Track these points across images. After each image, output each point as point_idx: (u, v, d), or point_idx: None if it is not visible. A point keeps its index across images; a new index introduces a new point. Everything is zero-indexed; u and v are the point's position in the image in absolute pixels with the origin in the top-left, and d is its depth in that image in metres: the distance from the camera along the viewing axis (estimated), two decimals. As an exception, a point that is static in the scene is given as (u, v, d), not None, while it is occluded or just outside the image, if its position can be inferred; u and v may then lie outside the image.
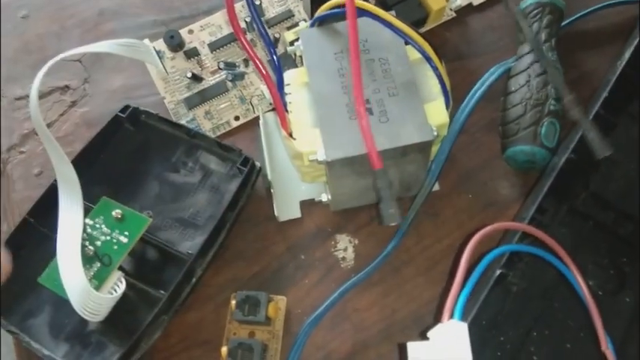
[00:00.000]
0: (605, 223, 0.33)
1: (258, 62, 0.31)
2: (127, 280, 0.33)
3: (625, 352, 0.30)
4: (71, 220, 0.33)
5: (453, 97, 0.34)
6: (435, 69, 0.32)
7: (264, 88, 0.40)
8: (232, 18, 0.31)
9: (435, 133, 0.30)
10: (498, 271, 0.28)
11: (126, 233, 0.34)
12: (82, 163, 0.37)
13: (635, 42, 0.32)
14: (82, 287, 0.30)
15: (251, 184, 0.37)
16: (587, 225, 0.33)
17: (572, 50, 0.40)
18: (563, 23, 0.39)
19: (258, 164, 0.37)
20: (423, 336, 0.22)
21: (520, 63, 0.37)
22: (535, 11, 0.38)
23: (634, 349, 0.30)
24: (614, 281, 0.32)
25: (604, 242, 0.33)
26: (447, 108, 0.32)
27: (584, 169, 0.33)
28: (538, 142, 0.34)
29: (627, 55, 0.32)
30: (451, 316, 0.21)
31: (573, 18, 0.40)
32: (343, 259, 0.36)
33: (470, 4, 0.43)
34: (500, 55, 0.41)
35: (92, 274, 0.33)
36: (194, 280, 0.34)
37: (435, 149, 0.35)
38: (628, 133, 0.31)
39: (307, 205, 0.37)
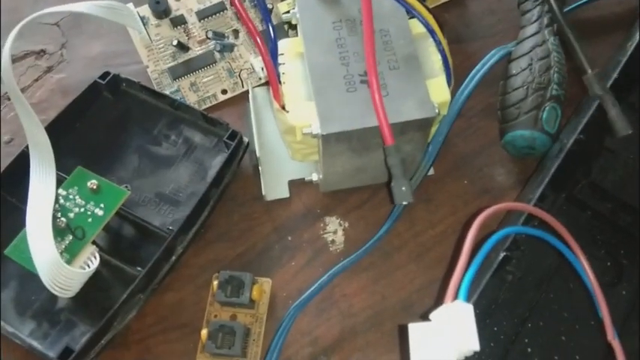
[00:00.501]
0: (603, 213, 0.32)
1: (251, 26, 0.30)
2: (101, 257, 0.31)
3: (622, 346, 0.29)
4: (43, 189, 0.31)
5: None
6: (438, 43, 0.30)
7: (254, 61, 0.39)
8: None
9: (437, 111, 0.29)
10: (502, 254, 0.27)
11: (101, 206, 0.32)
12: (56, 131, 0.34)
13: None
14: (53, 260, 0.28)
15: (237, 161, 0.35)
16: (585, 215, 0.32)
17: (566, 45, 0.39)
18: (564, 10, 0.38)
19: (246, 139, 0.35)
20: (424, 317, 0.20)
21: (522, 46, 0.36)
22: (538, -5, 0.37)
23: (631, 342, 0.29)
24: (611, 273, 0.31)
25: (602, 233, 0.32)
26: (449, 85, 0.31)
27: (585, 157, 0.32)
28: (539, 126, 0.33)
29: (638, 37, 0.31)
30: (455, 297, 0.20)
31: (574, 6, 0.40)
32: (332, 242, 0.34)
33: (470, -14, 0.42)
34: (498, 39, 0.40)
35: (64, 247, 0.30)
36: (173, 258, 0.32)
37: (433, 130, 0.33)
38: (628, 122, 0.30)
39: (296, 185, 0.36)
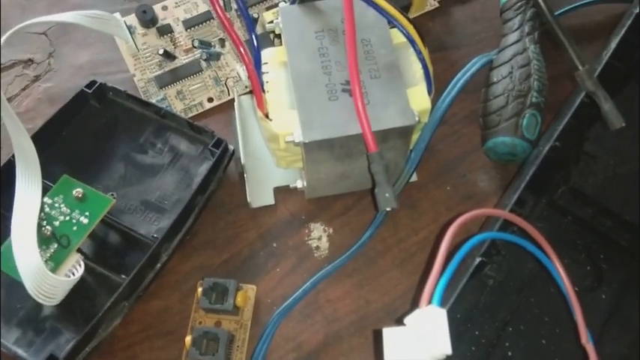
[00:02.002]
0: (583, 218, 0.32)
1: (235, 36, 0.30)
2: (86, 264, 0.31)
3: (602, 350, 0.29)
4: (28, 198, 0.31)
5: (435, 87, 0.33)
6: (419, 53, 0.31)
7: (240, 69, 0.39)
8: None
9: (417, 118, 0.29)
10: (478, 259, 0.27)
11: (87, 214, 0.32)
12: (42, 139, 0.34)
13: (622, 32, 0.32)
14: (37, 268, 0.28)
15: (223, 168, 0.35)
16: (566, 220, 0.33)
17: (554, 45, 0.39)
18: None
19: (231, 147, 0.35)
20: (399, 322, 0.20)
21: (503, 54, 0.36)
22: (519, 3, 0.38)
23: (610, 347, 0.29)
24: (591, 277, 0.31)
25: (582, 238, 0.32)
26: (430, 94, 0.31)
27: (564, 162, 0.33)
28: (519, 133, 0.33)
29: (613, 45, 0.31)
30: (429, 302, 0.20)
31: (557, 13, 0.40)
32: (317, 248, 0.35)
33: (453, -5, 0.42)
34: (482, 46, 0.40)
35: (49, 255, 0.31)
36: (158, 265, 0.32)
37: (415, 137, 0.34)
38: (608, 127, 0.31)
39: (281, 192, 0.36)
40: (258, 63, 0.32)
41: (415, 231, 0.35)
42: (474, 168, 0.37)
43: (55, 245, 0.31)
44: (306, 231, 0.35)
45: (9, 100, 0.40)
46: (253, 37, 0.31)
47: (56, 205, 0.32)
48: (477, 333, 0.30)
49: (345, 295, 0.33)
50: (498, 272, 0.31)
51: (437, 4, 0.42)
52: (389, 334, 0.20)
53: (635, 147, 0.34)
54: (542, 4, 0.31)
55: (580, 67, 0.30)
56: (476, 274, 0.28)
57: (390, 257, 0.34)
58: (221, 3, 0.39)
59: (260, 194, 0.36)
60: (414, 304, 0.29)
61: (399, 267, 0.34)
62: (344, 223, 0.35)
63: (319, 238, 0.35)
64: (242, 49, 0.30)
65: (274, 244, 0.35)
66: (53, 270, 0.30)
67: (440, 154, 0.37)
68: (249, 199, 0.35)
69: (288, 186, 0.35)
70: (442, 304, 0.21)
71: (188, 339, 0.30)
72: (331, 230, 0.35)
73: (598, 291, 0.31)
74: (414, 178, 0.36)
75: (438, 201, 0.36)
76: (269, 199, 0.36)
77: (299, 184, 0.35)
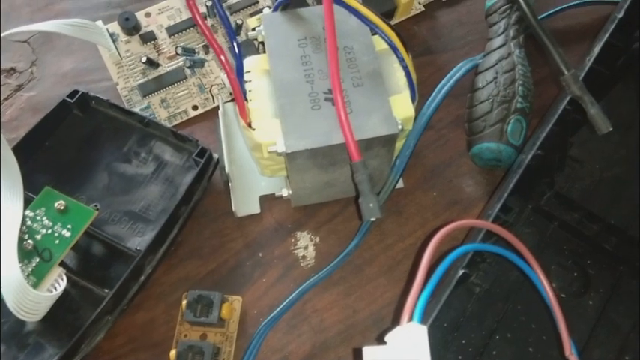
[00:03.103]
0: (569, 223, 0.32)
1: (215, 46, 0.30)
2: (69, 277, 0.31)
3: (589, 356, 0.29)
4: (9, 210, 0.31)
5: (420, 92, 0.33)
6: (401, 60, 0.30)
7: (224, 76, 0.38)
8: (189, -2, 0.29)
9: (400, 127, 0.29)
10: (461, 271, 0.27)
11: (69, 226, 0.31)
12: (24, 150, 0.34)
13: (605, 37, 0.32)
14: (18, 284, 0.28)
15: (207, 177, 0.35)
16: (552, 225, 0.33)
17: (540, 49, 0.39)
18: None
19: (215, 156, 0.35)
20: (380, 340, 0.20)
21: (488, 59, 0.36)
22: (504, 7, 0.37)
23: (598, 353, 0.29)
24: (577, 283, 0.31)
25: (568, 243, 0.32)
26: (413, 101, 0.31)
27: (549, 168, 0.33)
28: (504, 139, 0.33)
29: (596, 50, 0.31)
30: (410, 319, 0.20)
31: (542, 16, 0.40)
32: (303, 257, 0.34)
33: (439, -1, 0.42)
34: (468, 50, 0.40)
35: (30, 269, 0.30)
36: (142, 278, 0.32)
37: (400, 144, 0.34)
38: (593, 132, 0.31)
39: (267, 201, 0.36)
40: (240, 71, 0.31)
41: (402, 237, 0.35)
42: (460, 173, 0.36)
43: (37, 259, 0.30)
44: (293, 240, 0.35)
45: (-9, 109, 0.40)
46: (235, 45, 0.31)
47: (38, 217, 0.32)
48: (463, 342, 0.30)
49: (332, 305, 0.33)
50: (485, 280, 0.30)
51: (422, 8, 0.42)
52: (369, 352, 0.20)
53: (621, 151, 0.34)
54: (525, 8, 0.31)
55: (565, 72, 0.30)
56: (460, 285, 0.27)
57: (376, 265, 0.34)
58: (202, 10, 0.39)
59: (245, 203, 0.35)
60: (396, 319, 0.29)
61: (386, 274, 0.34)
62: (330, 231, 0.35)
63: (305, 247, 0.35)
64: (223, 58, 0.30)
65: (260, 254, 0.34)
66: (35, 285, 0.30)
67: (426, 159, 0.37)
68: (234, 208, 0.35)
69: (274, 194, 0.35)
70: (423, 320, 0.20)
71: (172, 353, 0.29)
72: (317, 239, 0.35)
73: (585, 296, 0.31)
74: (401, 184, 0.36)
75: (425, 207, 0.36)
76: (254, 208, 0.35)
77: (284, 192, 0.34)
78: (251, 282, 0.34)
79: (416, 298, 0.20)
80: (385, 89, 0.30)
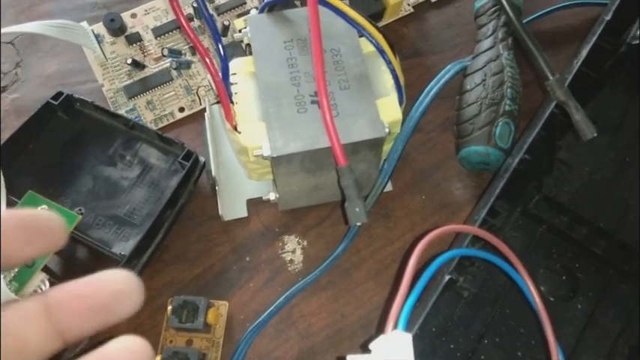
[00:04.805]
0: (558, 227, 0.32)
1: (200, 48, 0.29)
2: (52, 283, 0.30)
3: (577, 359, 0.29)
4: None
5: (409, 94, 0.32)
6: (388, 63, 0.30)
7: (211, 78, 0.38)
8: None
9: (387, 130, 0.28)
10: (447, 277, 0.27)
11: (52, 231, 0.31)
12: (7, 153, 0.33)
13: (593, 39, 0.31)
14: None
15: (193, 181, 0.34)
16: (540, 229, 0.32)
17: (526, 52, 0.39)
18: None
19: (202, 159, 0.35)
20: (365, 348, 0.20)
21: (476, 61, 0.36)
22: (492, 9, 0.37)
23: (587, 357, 0.29)
24: (566, 287, 0.31)
25: (557, 247, 0.32)
26: (401, 104, 0.31)
27: (537, 171, 0.33)
28: (492, 142, 0.33)
29: (584, 53, 0.31)
30: (395, 326, 0.20)
31: (531, 18, 0.40)
32: (291, 261, 0.34)
33: (427, 0, 0.42)
34: (457, 52, 0.40)
35: (12, 275, 0.30)
36: (127, 283, 0.31)
37: (387, 147, 0.33)
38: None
39: (254, 204, 0.35)
40: (225, 74, 0.31)
41: (390, 241, 0.35)
42: (448, 176, 0.36)
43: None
44: (280, 244, 0.35)
45: (-26, 112, 0.39)
46: (220, 47, 0.30)
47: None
48: (451, 346, 0.29)
49: (320, 309, 0.33)
50: (473, 284, 0.30)
51: (411, 10, 0.41)
52: (353, 361, 0.20)
53: (610, 154, 0.34)
54: (510, 12, 0.31)
55: (550, 77, 0.30)
56: (447, 290, 0.27)
57: (364, 269, 0.34)
58: (188, 12, 0.39)
59: (232, 207, 0.35)
60: (381, 326, 0.29)
61: (374, 278, 0.34)
62: (318, 235, 0.35)
63: (293, 251, 0.34)
64: (208, 60, 0.30)
65: (247, 258, 0.34)
66: (17, 291, 0.29)
67: (414, 162, 0.37)
68: (220, 212, 0.34)
69: (261, 198, 0.35)
70: (409, 326, 0.20)
71: (158, 359, 0.29)
72: (305, 243, 0.35)
73: (574, 300, 0.31)
74: (389, 187, 0.35)
75: (413, 210, 0.35)
76: (242, 212, 0.35)
77: (272, 196, 0.34)
78: (238, 287, 0.33)
79: (400, 306, 0.20)
80: (372, 92, 0.29)
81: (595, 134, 0.28)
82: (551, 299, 0.31)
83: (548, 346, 0.24)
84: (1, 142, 0.34)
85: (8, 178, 0.31)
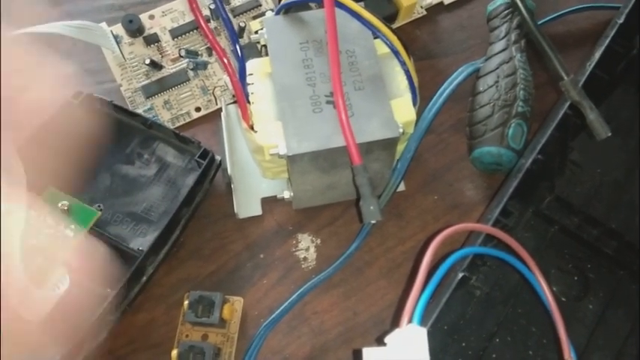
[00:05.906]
0: (569, 227, 0.32)
1: (218, 48, 0.30)
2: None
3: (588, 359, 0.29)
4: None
5: (422, 96, 0.33)
6: (402, 64, 0.31)
7: (227, 78, 0.39)
8: (192, 1, 0.29)
9: (401, 130, 0.29)
10: (460, 274, 0.27)
11: (72, 227, 0.32)
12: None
13: (606, 42, 0.32)
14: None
15: (209, 179, 0.35)
16: (552, 229, 0.33)
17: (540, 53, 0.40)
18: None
19: (218, 157, 0.35)
20: (380, 341, 0.20)
21: (489, 63, 0.36)
22: (505, 12, 0.38)
23: (597, 357, 0.29)
24: (577, 287, 0.31)
25: (568, 247, 0.32)
26: (415, 105, 0.31)
27: (549, 172, 0.33)
28: (505, 143, 0.33)
29: (597, 55, 0.31)
30: (410, 321, 0.20)
31: (542, 21, 0.40)
32: (304, 259, 0.35)
33: (441, 3, 0.42)
34: (469, 54, 0.40)
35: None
36: (144, 278, 0.32)
37: (401, 148, 0.34)
38: (593, 136, 0.31)
39: (269, 203, 0.36)
40: (242, 74, 0.32)
41: (402, 240, 0.35)
42: (460, 177, 0.37)
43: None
44: (294, 242, 0.35)
45: (-5, 110, 0.40)
46: (237, 47, 0.31)
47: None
48: (463, 344, 0.30)
49: (332, 307, 0.33)
50: (485, 283, 0.31)
51: (424, 12, 0.42)
52: (369, 354, 0.20)
53: (621, 155, 0.34)
54: (525, 13, 0.31)
55: (565, 77, 0.30)
56: (460, 288, 0.28)
57: (377, 267, 0.34)
58: (205, 13, 0.39)
59: (247, 205, 0.35)
60: (396, 321, 0.30)
61: (386, 277, 0.34)
62: (331, 233, 0.35)
63: (307, 249, 0.35)
64: (225, 60, 0.30)
65: (261, 255, 0.35)
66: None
67: (427, 163, 0.37)
68: (236, 210, 0.35)
69: (276, 196, 0.35)
70: (423, 322, 0.21)
71: (174, 353, 0.30)
72: (319, 241, 0.35)
73: (585, 300, 0.31)
74: (402, 187, 0.36)
75: (425, 210, 0.36)
76: (256, 210, 0.36)
77: (286, 194, 0.34)
78: (251, 284, 0.34)
79: (415, 300, 0.20)
80: (386, 93, 0.30)
81: (609, 134, 0.29)
82: (563, 299, 0.31)
83: (560, 345, 0.24)
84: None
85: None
